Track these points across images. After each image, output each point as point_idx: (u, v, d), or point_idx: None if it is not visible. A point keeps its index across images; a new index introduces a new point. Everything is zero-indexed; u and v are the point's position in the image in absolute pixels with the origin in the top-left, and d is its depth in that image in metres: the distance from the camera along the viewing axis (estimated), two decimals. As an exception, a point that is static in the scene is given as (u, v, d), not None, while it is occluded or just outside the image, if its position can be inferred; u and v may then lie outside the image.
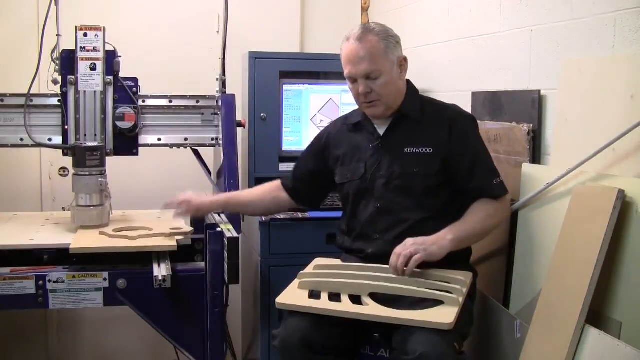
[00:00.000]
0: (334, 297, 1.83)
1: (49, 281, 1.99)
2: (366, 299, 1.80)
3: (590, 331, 1.60)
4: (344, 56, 2.01)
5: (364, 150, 2.08)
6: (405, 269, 1.80)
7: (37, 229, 2.27)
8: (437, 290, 1.80)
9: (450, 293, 1.78)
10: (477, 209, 1.97)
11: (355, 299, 1.81)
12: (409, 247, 1.83)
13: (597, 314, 1.65)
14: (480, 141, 2.04)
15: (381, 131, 2.07)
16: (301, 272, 1.94)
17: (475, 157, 1.99)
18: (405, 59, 2.04)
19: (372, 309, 1.76)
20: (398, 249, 1.84)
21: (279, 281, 2.55)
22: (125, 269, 2.05)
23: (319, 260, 2.08)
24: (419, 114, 2.04)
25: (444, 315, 1.70)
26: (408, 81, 2.09)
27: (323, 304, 1.80)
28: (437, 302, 1.77)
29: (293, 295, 1.84)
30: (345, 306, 1.78)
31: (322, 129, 2.68)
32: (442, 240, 1.87)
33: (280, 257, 2.56)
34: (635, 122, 1.63)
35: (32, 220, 2.43)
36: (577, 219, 1.75)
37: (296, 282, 1.90)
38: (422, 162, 1.99)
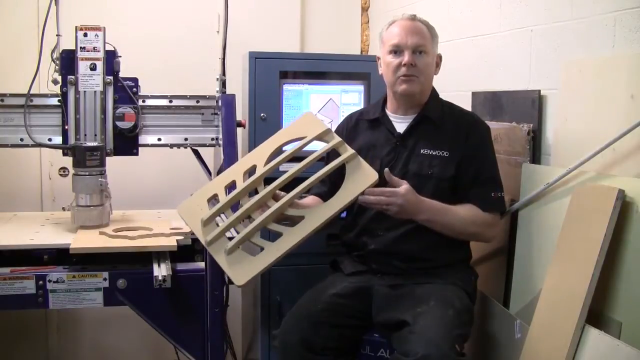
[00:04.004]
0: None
1: (49, 281, 1.99)
2: (292, 210, 1.87)
3: (590, 331, 1.60)
4: (395, 30, 2.03)
5: (380, 147, 2.08)
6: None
7: (37, 229, 2.27)
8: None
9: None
10: (468, 209, 1.98)
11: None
12: (395, 200, 1.87)
13: (597, 314, 1.65)
14: (491, 152, 2.05)
15: (400, 130, 2.07)
16: (206, 240, 1.83)
17: (482, 165, 2.00)
18: (440, 58, 2.09)
19: (314, 218, 1.84)
20: (386, 197, 1.87)
21: (278, 281, 2.56)
22: (125, 269, 2.04)
23: (186, 211, 1.94)
24: (440, 117, 2.05)
25: (362, 177, 1.87)
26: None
27: (275, 249, 1.80)
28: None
29: (242, 270, 1.78)
30: (294, 234, 1.82)
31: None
32: (419, 214, 1.92)
33: (280, 257, 2.57)
34: (635, 122, 1.64)
35: (32, 220, 2.43)
36: (577, 219, 1.75)
37: (219, 254, 1.81)
38: (438, 165, 1.99)
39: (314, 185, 2.02)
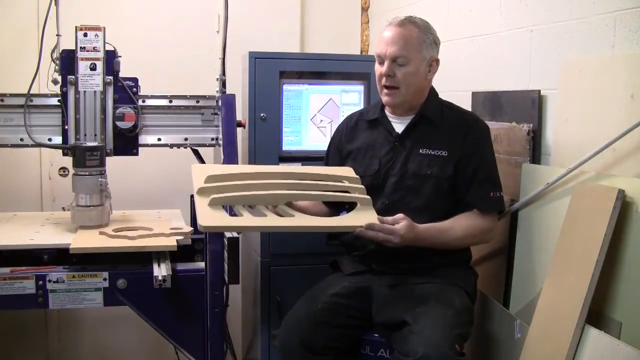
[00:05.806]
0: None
1: (49, 281, 1.99)
2: (287, 209, 1.88)
3: (590, 331, 1.60)
4: (380, 37, 2.03)
5: (378, 147, 2.08)
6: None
7: (37, 229, 2.27)
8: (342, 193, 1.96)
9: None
10: (465, 223, 1.98)
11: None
12: (393, 238, 1.85)
13: (597, 314, 1.65)
14: (490, 152, 2.05)
15: (399, 130, 2.07)
16: (200, 187, 1.86)
17: (480, 164, 2.00)
18: (437, 61, 2.05)
19: (300, 220, 1.86)
20: (386, 235, 1.85)
21: (278, 281, 2.56)
22: (125, 269, 2.05)
23: (199, 168, 2.03)
24: (439, 117, 2.05)
25: (365, 217, 1.85)
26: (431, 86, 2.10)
27: (250, 220, 1.81)
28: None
29: (213, 216, 1.79)
30: (274, 220, 1.83)
31: (322, 129, 2.68)
32: (417, 244, 1.91)
33: (280, 257, 2.56)
34: (635, 122, 1.64)
35: (32, 220, 2.43)
36: (577, 219, 1.75)
37: (203, 200, 1.83)
38: (436, 165, 1.99)
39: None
